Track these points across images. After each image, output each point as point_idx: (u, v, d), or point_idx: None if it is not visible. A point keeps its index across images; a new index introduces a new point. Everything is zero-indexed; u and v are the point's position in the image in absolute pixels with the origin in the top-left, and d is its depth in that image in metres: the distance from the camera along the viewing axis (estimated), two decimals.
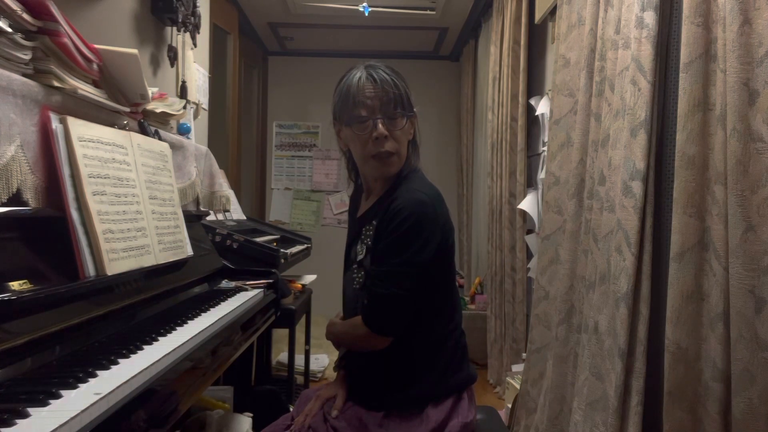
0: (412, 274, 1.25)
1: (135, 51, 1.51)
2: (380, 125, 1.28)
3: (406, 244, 1.25)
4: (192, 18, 2.43)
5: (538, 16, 2.95)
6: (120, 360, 1.02)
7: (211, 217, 2.42)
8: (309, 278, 2.99)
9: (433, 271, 1.29)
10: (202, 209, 2.20)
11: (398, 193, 1.30)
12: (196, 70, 2.63)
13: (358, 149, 1.33)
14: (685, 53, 1.50)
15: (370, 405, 1.30)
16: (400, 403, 1.28)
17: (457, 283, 1.43)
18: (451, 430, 1.27)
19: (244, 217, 3.06)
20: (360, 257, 1.37)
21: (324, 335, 1.46)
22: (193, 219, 1.95)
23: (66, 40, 1.26)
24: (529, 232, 3.03)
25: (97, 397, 0.84)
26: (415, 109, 1.36)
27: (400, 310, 1.28)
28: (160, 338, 1.19)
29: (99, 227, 1.19)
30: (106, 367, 0.97)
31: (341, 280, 1.46)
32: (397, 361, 1.31)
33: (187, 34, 2.46)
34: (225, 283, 1.92)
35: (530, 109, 3.07)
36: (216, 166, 2.35)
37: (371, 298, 1.28)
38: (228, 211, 2.69)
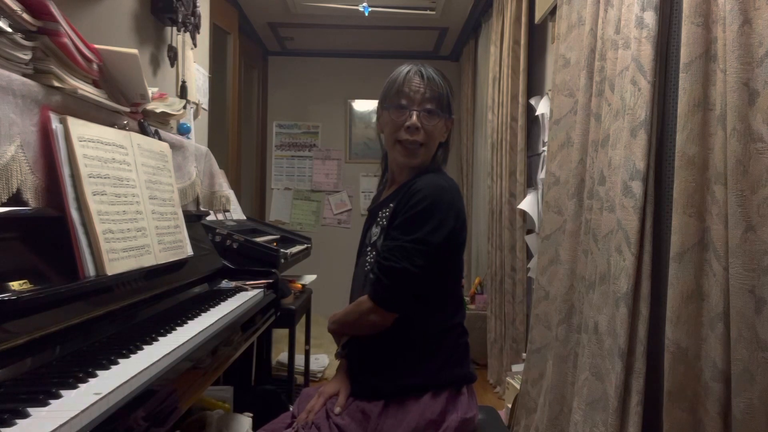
0: (423, 253, 1.27)
1: (135, 51, 1.51)
2: (414, 116, 1.35)
3: (421, 223, 1.28)
4: (192, 18, 2.43)
5: (538, 16, 2.95)
6: (120, 360, 1.02)
7: (211, 217, 2.41)
8: (309, 278, 2.99)
9: (443, 259, 1.31)
10: (202, 209, 2.20)
11: (419, 179, 1.35)
12: (196, 70, 2.62)
13: (389, 132, 1.40)
14: (685, 53, 1.50)
15: (370, 395, 1.30)
16: (399, 392, 1.29)
17: (462, 283, 1.43)
18: (450, 425, 1.27)
19: (244, 217, 3.06)
20: (374, 239, 1.39)
21: (324, 335, 1.46)
22: (193, 219, 1.94)
23: (66, 40, 1.26)
24: (529, 232, 3.03)
25: (97, 397, 0.84)
26: (453, 116, 1.44)
27: (409, 286, 1.29)
28: (160, 338, 1.19)
29: (99, 227, 1.19)
30: (106, 367, 0.97)
31: (341, 280, 1.47)
32: (398, 349, 1.32)
33: (187, 34, 2.46)
34: (225, 283, 1.92)
35: (530, 109, 3.06)
36: (216, 166, 2.35)
37: (381, 270, 1.29)
38: (228, 211, 2.69)
